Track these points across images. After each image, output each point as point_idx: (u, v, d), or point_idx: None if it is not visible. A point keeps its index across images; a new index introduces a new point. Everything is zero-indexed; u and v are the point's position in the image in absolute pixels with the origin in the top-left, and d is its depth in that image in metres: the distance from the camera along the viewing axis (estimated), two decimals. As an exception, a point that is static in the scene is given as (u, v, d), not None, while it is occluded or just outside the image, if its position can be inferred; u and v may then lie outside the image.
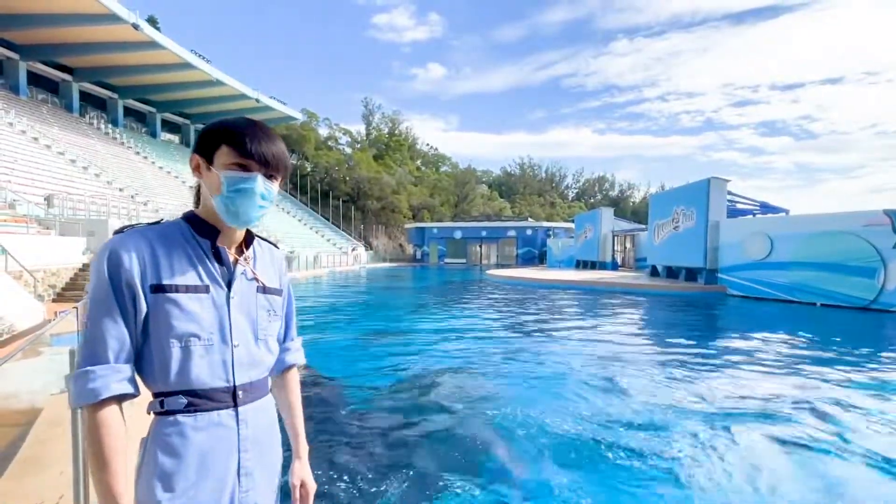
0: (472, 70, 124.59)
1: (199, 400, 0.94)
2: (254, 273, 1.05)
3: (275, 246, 1.19)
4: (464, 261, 42.33)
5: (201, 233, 1.01)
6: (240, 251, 1.07)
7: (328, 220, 44.06)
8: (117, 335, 0.88)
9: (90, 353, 0.87)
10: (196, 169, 1.01)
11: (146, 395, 0.96)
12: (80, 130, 28.32)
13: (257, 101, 39.07)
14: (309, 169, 48.55)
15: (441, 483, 3.05)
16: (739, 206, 17.33)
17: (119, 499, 0.83)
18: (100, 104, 34.08)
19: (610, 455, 3.47)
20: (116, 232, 0.96)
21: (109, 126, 32.63)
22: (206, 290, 0.97)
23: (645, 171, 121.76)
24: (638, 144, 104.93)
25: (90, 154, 25.29)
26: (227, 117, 1.03)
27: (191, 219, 1.03)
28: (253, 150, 0.97)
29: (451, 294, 16.60)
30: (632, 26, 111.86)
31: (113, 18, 25.08)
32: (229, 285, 1.00)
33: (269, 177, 1.01)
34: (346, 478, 3.10)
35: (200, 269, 0.98)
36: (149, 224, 0.99)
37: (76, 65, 30.42)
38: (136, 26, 25.99)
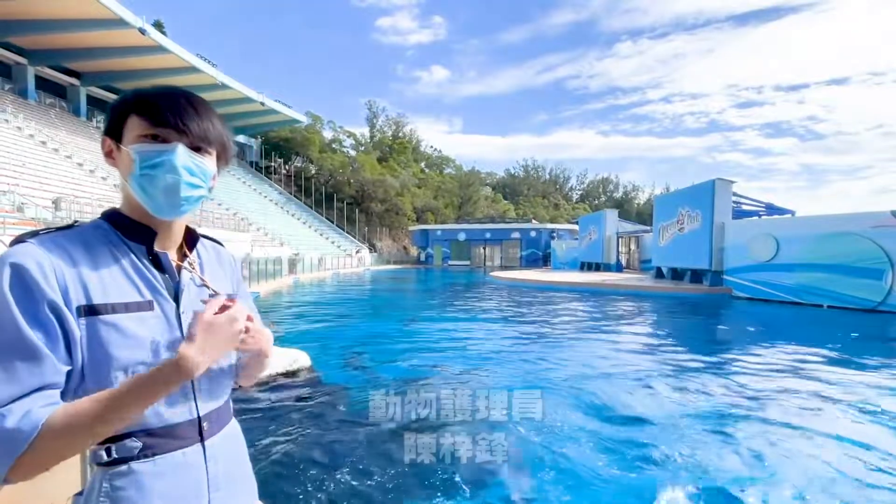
0: (475, 73, 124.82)
1: (157, 440, 0.76)
2: (202, 279, 0.87)
3: (220, 244, 1.00)
4: (468, 263, 42.30)
5: (132, 235, 0.80)
6: (182, 255, 0.88)
7: (332, 222, 44.17)
8: (35, 367, 0.66)
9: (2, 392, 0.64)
10: (108, 155, 0.81)
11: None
12: (87, 134, 28.58)
13: (262, 104, 39.28)
14: (313, 171, 48.73)
15: (443, 483, 3.05)
16: (745, 207, 17.22)
17: (150, 375, 0.69)
18: (107, 108, 34.40)
19: (615, 457, 3.46)
20: (15, 242, 0.73)
21: (116, 130, 32.89)
22: (150, 306, 0.78)
23: (649, 173, 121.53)
24: (642, 146, 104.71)
25: (98, 157, 25.48)
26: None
27: (114, 219, 0.81)
28: (169, 115, 0.77)
29: (455, 296, 16.59)
30: (635, 28, 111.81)
31: (120, 23, 25.32)
32: (176, 298, 0.82)
33: (196, 149, 0.80)
34: (348, 478, 3.10)
35: (138, 280, 0.78)
36: (58, 229, 0.77)
37: (84, 69, 30.73)
38: (142, 31, 26.22)
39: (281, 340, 7.62)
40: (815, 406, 4.63)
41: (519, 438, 3.83)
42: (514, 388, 5.23)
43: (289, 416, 4.30)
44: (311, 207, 44.70)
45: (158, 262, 0.82)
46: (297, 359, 5.83)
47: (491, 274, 27.25)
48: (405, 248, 48.95)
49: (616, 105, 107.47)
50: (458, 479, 3.13)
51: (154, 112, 0.77)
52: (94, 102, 33.13)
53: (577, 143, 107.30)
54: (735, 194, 16.24)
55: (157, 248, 0.83)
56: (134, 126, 0.78)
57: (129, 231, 0.81)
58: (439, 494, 2.95)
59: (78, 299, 0.71)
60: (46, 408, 0.65)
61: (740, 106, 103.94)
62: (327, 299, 15.83)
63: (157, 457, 0.76)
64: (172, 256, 0.85)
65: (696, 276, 17.03)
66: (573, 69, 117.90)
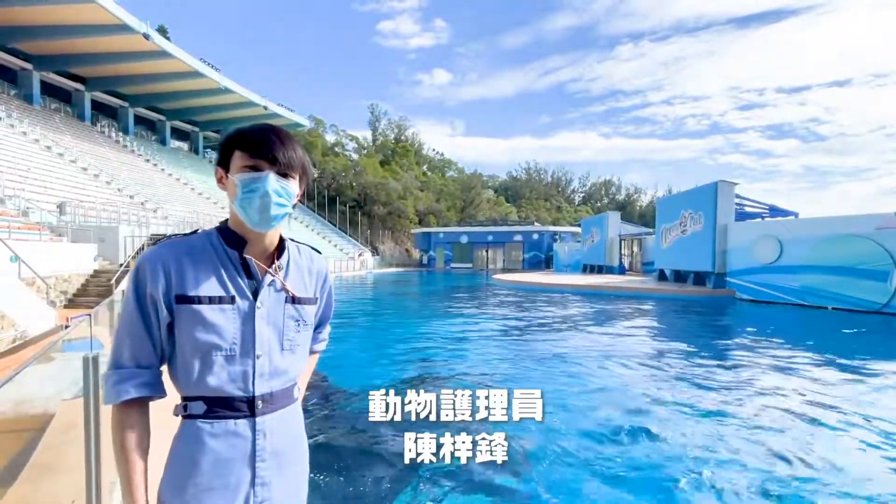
0: (477, 76, 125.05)
1: (216, 407, 0.96)
2: (283, 283, 1.04)
3: (316, 251, 1.18)
4: (470, 265, 42.28)
5: (230, 243, 1.02)
6: (271, 260, 1.05)
7: (335, 225, 44.27)
8: (139, 343, 0.94)
9: (115, 358, 0.94)
10: (220, 181, 1.03)
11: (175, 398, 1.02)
12: (91, 139, 28.76)
13: (265, 108, 39.46)
14: (316, 175, 48.86)
15: (444, 482, 3.05)
16: (748, 209, 17.17)
17: (135, 490, 0.90)
18: (111, 113, 34.61)
19: (616, 457, 3.45)
20: (151, 244, 1.02)
21: (120, 134, 33.10)
22: (232, 300, 0.97)
23: (652, 175, 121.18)
24: (644, 148, 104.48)
25: (101, 162, 25.66)
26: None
27: (222, 230, 1.04)
28: (262, 149, 0.97)
29: (457, 299, 16.58)
30: (636, 32, 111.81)
31: (124, 29, 25.51)
32: (255, 296, 1.00)
33: (283, 175, 1.00)
34: (348, 478, 3.10)
35: (227, 279, 0.98)
36: (183, 235, 1.02)
37: (88, 74, 30.95)
38: (146, 36, 26.42)
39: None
40: (817, 406, 4.60)
41: (521, 439, 3.82)
42: (515, 388, 5.22)
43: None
44: (314, 210, 44.82)
45: (247, 266, 1.01)
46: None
47: (493, 276, 27.24)
48: (408, 250, 48.98)
49: (617, 107, 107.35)
50: (458, 478, 3.13)
51: (251, 147, 0.98)
52: (98, 107, 33.35)
53: (579, 145, 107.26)
54: (738, 196, 16.20)
55: (246, 254, 1.02)
56: (237, 158, 0.99)
57: (228, 240, 1.02)
58: (440, 493, 2.94)
59: (177, 290, 0.95)
60: (139, 388, 0.93)
61: (742, 108, 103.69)
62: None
63: (214, 421, 0.96)
64: (261, 262, 1.04)
65: (699, 278, 16.98)
66: (574, 72, 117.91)
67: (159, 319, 0.95)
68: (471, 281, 26.74)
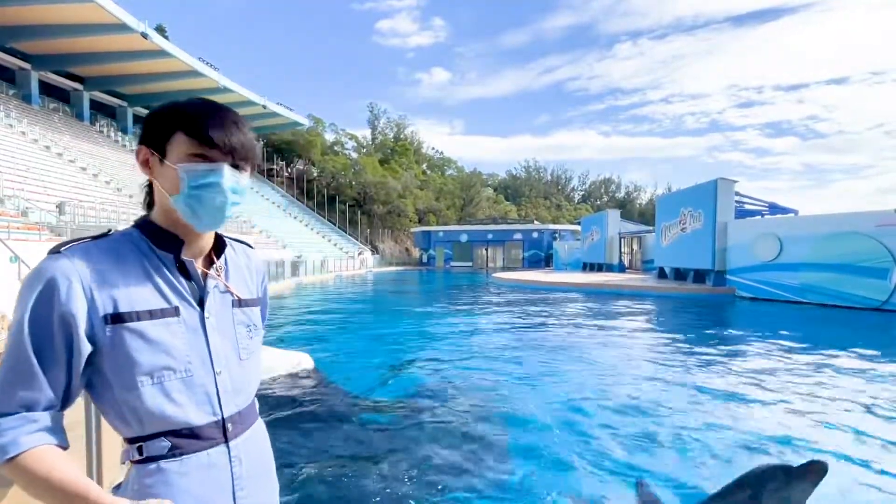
0: (476, 75, 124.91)
1: (184, 440, 0.80)
2: (227, 286, 0.91)
3: (249, 247, 1.04)
4: (470, 264, 42.28)
5: (161, 244, 0.84)
6: (209, 260, 0.91)
7: (335, 224, 44.24)
8: (31, 383, 0.71)
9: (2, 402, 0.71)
10: (145, 164, 0.84)
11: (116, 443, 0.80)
12: (90, 138, 28.73)
13: (264, 107, 39.41)
14: (315, 174, 48.82)
15: (446, 483, 3.05)
16: (748, 206, 17.17)
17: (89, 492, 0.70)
18: (110, 112, 34.58)
19: (615, 454, 3.45)
20: (52, 251, 0.76)
21: (119, 134, 33.07)
22: (176, 312, 0.81)
23: (651, 173, 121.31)
24: (644, 146, 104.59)
25: (100, 161, 25.63)
26: (179, 100, 0.85)
27: (146, 227, 0.85)
28: (216, 136, 0.81)
29: (458, 297, 16.58)
30: (634, 30, 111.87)
31: (122, 28, 25.46)
32: (202, 304, 0.85)
33: (236, 167, 0.84)
34: (349, 477, 3.10)
35: (165, 287, 0.82)
36: (93, 238, 0.81)
37: (87, 74, 30.91)
38: (144, 35, 26.36)
39: (284, 343, 7.64)
40: (817, 402, 4.61)
41: (521, 435, 3.82)
42: (513, 382, 5.23)
43: (292, 417, 4.31)
44: (314, 210, 44.79)
45: (186, 269, 0.86)
46: (301, 361, 5.84)
47: (493, 275, 27.24)
48: (407, 249, 48.98)
49: (616, 106, 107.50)
50: (459, 476, 3.13)
51: (203, 133, 0.80)
52: (97, 107, 33.30)
53: (578, 143, 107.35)
54: (737, 194, 16.20)
55: (184, 255, 0.86)
56: (181, 143, 0.81)
57: (158, 240, 0.84)
58: (440, 492, 2.94)
59: (105, 308, 0.76)
60: (33, 435, 0.71)
61: (740, 106, 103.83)
62: (330, 301, 15.85)
63: (183, 457, 0.79)
64: (199, 263, 0.89)
65: (699, 276, 16.98)
66: (573, 71, 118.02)
67: (73, 352, 0.73)
68: (471, 280, 26.75)
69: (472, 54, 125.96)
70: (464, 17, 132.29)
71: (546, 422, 4.21)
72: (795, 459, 3.43)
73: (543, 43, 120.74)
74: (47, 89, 29.65)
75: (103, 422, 1.74)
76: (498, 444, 3.75)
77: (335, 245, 38.78)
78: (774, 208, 17.16)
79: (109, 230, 0.85)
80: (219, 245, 0.94)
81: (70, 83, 30.81)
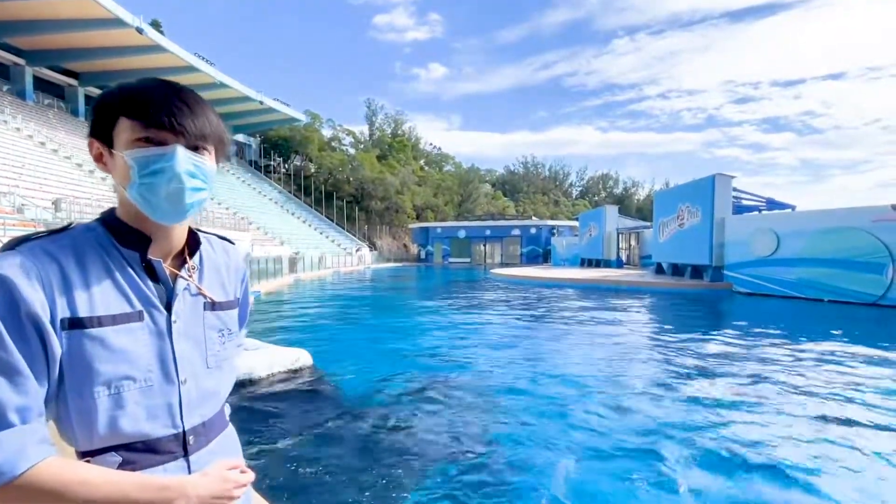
0: (473, 70, 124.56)
1: (137, 455, 0.73)
2: (199, 287, 0.83)
3: (230, 243, 0.95)
4: (468, 260, 42.30)
5: (125, 242, 0.76)
6: (181, 259, 0.83)
7: (332, 221, 44.17)
8: (23, 388, 0.64)
9: None
10: (98, 159, 0.77)
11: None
12: (86, 134, 28.40)
13: (261, 103, 39.20)
14: (313, 170, 48.69)
15: (444, 476, 3.06)
16: (745, 202, 17.21)
17: (159, 480, 0.69)
18: (90, 107, 34.35)
19: (611, 450, 3.47)
20: (5, 248, 0.69)
21: (115, 130, 32.89)
22: (140, 317, 0.74)
23: (649, 169, 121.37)
24: (641, 142, 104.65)
25: (96, 158, 25.47)
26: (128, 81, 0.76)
27: (110, 223, 0.77)
28: (164, 115, 0.72)
29: (456, 293, 16.59)
30: (631, 26, 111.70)
31: (117, 23, 25.25)
32: (168, 308, 0.78)
33: (195, 148, 0.75)
34: (349, 475, 3.11)
35: (129, 290, 0.74)
36: (51, 233, 0.73)
37: (81, 69, 30.69)
38: (139, 30, 26.15)
39: (283, 340, 7.63)
40: (814, 397, 4.64)
41: (518, 430, 3.83)
42: (514, 378, 5.24)
43: (291, 414, 4.31)
44: (311, 206, 44.69)
45: (152, 270, 0.78)
46: (299, 357, 5.83)
47: (491, 271, 27.27)
48: (405, 245, 48.95)
49: (614, 102, 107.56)
50: (456, 469, 3.14)
51: (145, 113, 0.71)
52: (92, 103, 32.91)
53: (576, 139, 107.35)
54: (735, 189, 16.23)
55: (152, 254, 0.78)
56: (125, 129, 0.72)
57: (122, 237, 0.76)
58: (438, 488, 2.95)
59: (63, 312, 0.68)
60: (38, 446, 0.63)
61: (737, 101, 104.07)
62: (328, 298, 15.84)
63: (136, 472, 0.71)
64: (169, 263, 0.81)
65: (697, 271, 17.04)
66: (570, 66, 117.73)
67: (48, 353, 0.66)
68: (469, 276, 26.76)
69: (468, 49, 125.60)
70: (460, 11, 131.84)
71: (540, 414, 4.22)
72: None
73: (540, 38, 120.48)
74: (42, 85, 29.42)
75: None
76: (497, 441, 3.76)
77: (333, 241, 38.73)
78: (772, 204, 17.20)
79: (70, 224, 0.76)
80: (193, 242, 0.85)
81: (65, 79, 30.58)
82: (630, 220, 35.54)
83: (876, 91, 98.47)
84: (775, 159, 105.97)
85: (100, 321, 0.70)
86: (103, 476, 0.66)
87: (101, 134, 0.75)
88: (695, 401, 4.65)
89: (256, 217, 31.31)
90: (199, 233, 0.88)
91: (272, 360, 5.52)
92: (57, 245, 0.71)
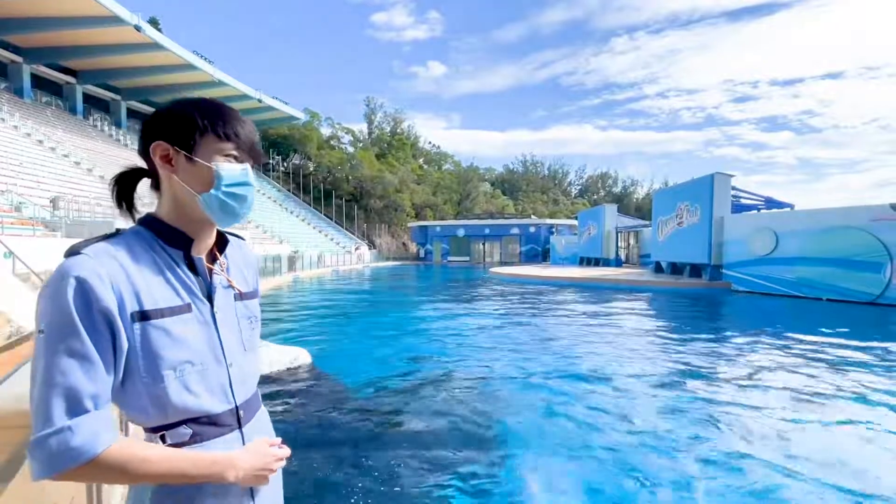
0: (472, 68, 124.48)
1: (202, 428, 0.84)
2: (229, 281, 0.95)
3: (241, 239, 1.08)
4: (467, 259, 42.30)
5: (171, 242, 0.87)
6: (212, 256, 0.95)
7: (331, 219, 44.14)
8: (95, 377, 0.72)
9: (67, 404, 0.70)
10: (168, 161, 0.85)
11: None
12: (84, 132, 28.47)
13: (259, 101, 39.17)
14: (312, 168, 48.64)
15: (442, 474, 3.06)
16: (744, 201, 17.23)
17: (211, 455, 0.82)
18: (103, 106, 34.27)
19: (616, 451, 3.47)
20: (71, 252, 0.77)
21: (113, 128, 32.80)
22: (189, 308, 0.85)
23: (648, 167, 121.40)
24: (640, 141, 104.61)
25: (94, 156, 25.42)
26: (189, 97, 0.89)
27: (154, 226, 0.87)
28: (244, 137, 0.88)
29: (455, 292, 16.59)
30: (630, 25, 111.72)
31: (115, 20, 25.18)
32: (210, 299, 0.89)
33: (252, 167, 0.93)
34: (348, 471, 3.11)
35: (177, 285, 0.85)
36: (107, 237, 0.82)
37: (80, 67, 30.60)
38: (138, 28, 26.09)
39: (282, 338, 7.63)
40: (813, 395, 4.65)
41: (518, 427, 3.84)
42: (512, 380, 5.25)
43: (290, 412, 4.31)
44: (310, 204, 44.65)
45: (194, 266, 0.89)
46: (298, 356, 5.84)
47: (490, 270, 27.27)
48: (404, 244, 48.94)
49: (612, 101, 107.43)
50: (454, 466, 3.14)
51: (237, 137, 0.87)
52: (90, 100, 32.99)
53: (575, 137, 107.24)
54: (734, 188, 16.25)
55: (192, 252, 0.89)
56: (212, 143, 0.86)
57: (168, 237, 0.87)
58: (439, 486, 2.96)
59: (132, 306, 0.78)
60: (110, 430, 0.73)
61: (736, 100, 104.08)
62: (327, 296, 15.84)
63: (203, 442, 0.85)
64: (205, 259, 0.92)
65: (696, 270, 17.06)
66: (569, 65, 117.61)
67: (117, 347, 0.75)
68: (468, 274, 26.76)
69: (467, 48, 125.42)
70: (459, 10, 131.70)
71: (540, 411, 4.22)
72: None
73: (539, 37, 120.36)
74: (40, 83, 29.35)
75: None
76: (495, 437, 3.76)
77: (332, 240, 38.72)
78: (771, 203, 17.23)
79: (118, 230, 0.86)
80: (220, 241, 0.97)
81: (63, 77, 30.50)
82: (629, 218, 35.59)
83: (874, 90, 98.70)
84: (774, 158, 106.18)
85: (161, 313, 0.81)
86: (161, 454, 0.77)
87: (179, 141, 0.85)
88: (692, 398, 4.65)
89: (255, 215, 31.27)
90: (224, 232, 0.99)
91: (271, 359, 5.52)
92: (115, 247, 0.80)
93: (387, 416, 4.27)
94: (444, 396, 4.77)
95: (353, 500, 2.83)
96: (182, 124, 0.85)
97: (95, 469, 0.71)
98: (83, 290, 0.72)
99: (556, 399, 4.68)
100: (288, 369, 5.55)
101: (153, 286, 0.81)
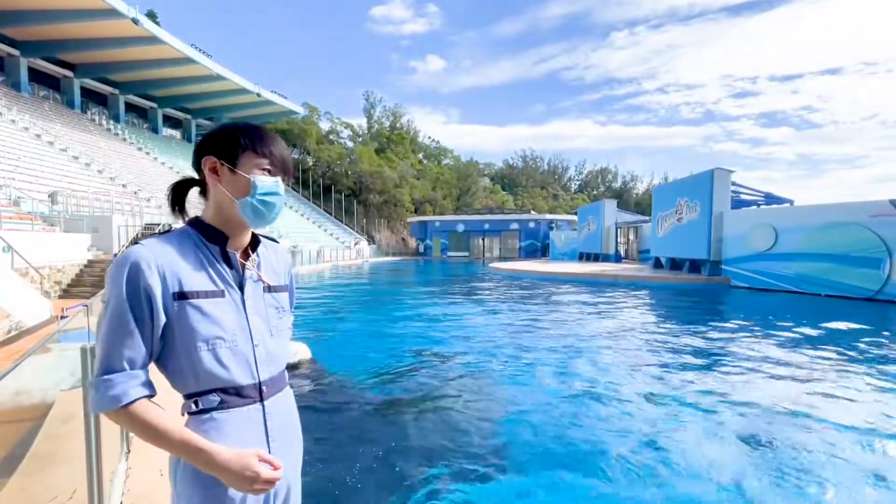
0: (471, 63, 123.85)
1: (230, 397, 1.01)
2: (259, 275, 1.12)
3: (276, 241, 1.25)
4: (466, 254, 42.32)
5: (211, 239, 1.06)
6: (245, 254, 1.12)
7: (330, 214, 44.08)
8: (132, 344, 0.92)
9: (108, 362, 0.91)
10: (214, 171, 1.05)
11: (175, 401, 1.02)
12: (82, 127, 28.34)
13: (258, 95, 38.96)
14: (311, 163, 48.49)
15: (443, 469, 3.08)
16: (743, 196, 17.22)
17: (197, 443, 0.93)
18: (101, 100, 34.07)
19: (613, 448, 3.49)
20: (133, 242, 0.96)
21: (111, 122, 32.65)
22: (222, 294, 1.03)
23: (648, 163, 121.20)
24: (640, 136, 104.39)
25: (93, 150, 25.32)
26: (235, 121, 1.09)
27: (198, 225, 1.07)
28: (277, 155, 1.07)
29: (454, 287, 16.60)
30: (629, 20, 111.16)
31: (112, 13, 25.01)
32: (241, 288, 1.07)
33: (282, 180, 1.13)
34: (348, 469, 3.12)
35: (213, 274, 1.03)
36: (162, 233, 1.03)
37: (77, 61, 30.39)
38: (135, 21, 25.90)
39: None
40: (812, 393, 4.67)
41: (518, 422, 3.85)
42: (512, 376, 5.27)
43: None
44: (309, 199, 44.58)
45: (229, 260, 1.07)
46: (298, 351, 5.84)
47: (490, 265, 27.28)
48: (404, 239, 48.92)
49: (612, 96, 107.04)
50: (456, 462, 3.16)
51: (268, 150, 1.07)
52: (88, 94, 32.81)
53: (574, 132, 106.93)
54: (734, 184, 16.23)
55: (228, 248, 1.07)
56: (251, 157, 1.05)
57: (209, 235, 1.06)
58: (441, 481, 2.97)
59: (174, 287, 0.96)
60: (137, 388, 0.92)
61: (735, 96, 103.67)
62: (327, 291, 15.84)
63: (229, 409, 1.01)
64: (239, 255, 1.09)
65: (695, 265, 17.08)
66: (569, 60, 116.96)
67: (154, 320, 0.94)
68: (467, 270, 26.78)
69: (466, 42, 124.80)
70: (458, 4, 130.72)
71: (540, 405, 4.24)
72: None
73: (539, 31, 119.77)
74: (37, 77, 29.17)
75: (103, 417, 1.73)
76: (498, 431, 3.78)
77: (331, 235, 38.66)
78: (770, 198, 17.23)
79: (170, 227, 1.09)
80: (254, 242, 1.14)
81: (60, 70, 30.30)
82: (629, 214, 35.54)
83: (873, 86, 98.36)
84: (773, 154, 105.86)
85: (197, 294, 0.99)
86: (166, 427, 0.92)
87: (226, 156, 1.05)
88: (691, 393, 4.67)
89: (254, 210, 31.17)
90: (258, 234, 1.17)
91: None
92: (167, 241, 1.01)
93: (387, 411, 4.29)
94: (445, 390, 4.79)
95: (354, 496, 2.84)
96: (227, 143, 1.05)
97: (126, 417, 0.91)
98: (135, 271, 0.93)
99: (555, 393, 4.69)
100: (288, 365, 5.55)
101: (193, 273, 1.00)
